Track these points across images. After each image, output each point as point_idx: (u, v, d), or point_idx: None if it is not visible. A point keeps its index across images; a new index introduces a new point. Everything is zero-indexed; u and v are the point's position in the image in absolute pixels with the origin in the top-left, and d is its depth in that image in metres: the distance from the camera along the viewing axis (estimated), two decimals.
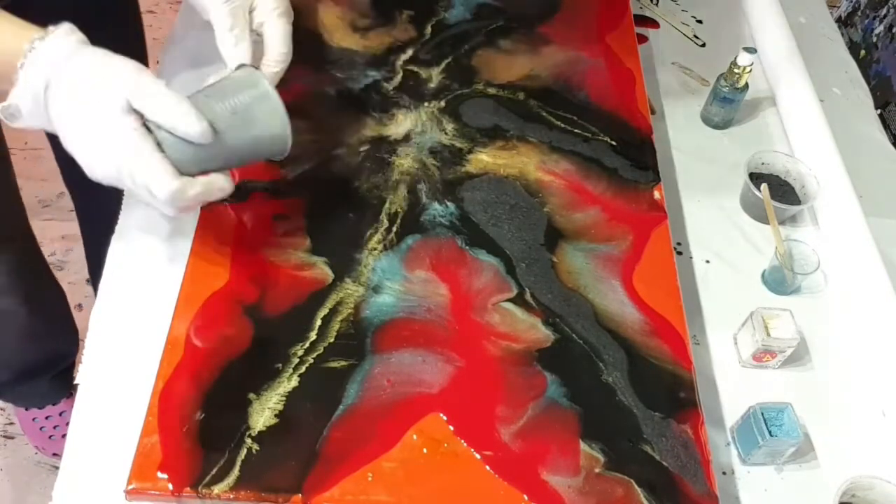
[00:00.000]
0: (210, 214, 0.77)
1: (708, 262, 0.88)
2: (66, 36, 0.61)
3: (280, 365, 0.68)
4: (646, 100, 0.94)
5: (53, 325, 1.17)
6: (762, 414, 0.71)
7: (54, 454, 1.31)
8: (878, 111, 1.20)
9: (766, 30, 1.10)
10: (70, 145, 0.62)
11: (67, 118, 0.61)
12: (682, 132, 1.01)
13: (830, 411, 0.78)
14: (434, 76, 0.93)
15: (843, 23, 1.62)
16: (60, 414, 1.30)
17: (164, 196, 0.61)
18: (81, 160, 0.62)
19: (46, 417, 1.30)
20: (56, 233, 1.63)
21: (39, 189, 1.69)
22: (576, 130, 0.90)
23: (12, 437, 1.37)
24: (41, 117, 0.62)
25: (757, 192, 0.89)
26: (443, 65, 0.94)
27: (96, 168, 0.62)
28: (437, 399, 0.68)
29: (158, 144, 0.62)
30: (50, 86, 0.60)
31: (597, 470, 0.65)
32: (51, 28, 0.62)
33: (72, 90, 0.60)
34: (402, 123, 0.87)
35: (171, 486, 0.61)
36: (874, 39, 1.50)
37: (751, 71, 0.96)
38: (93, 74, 0.61)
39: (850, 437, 0.76)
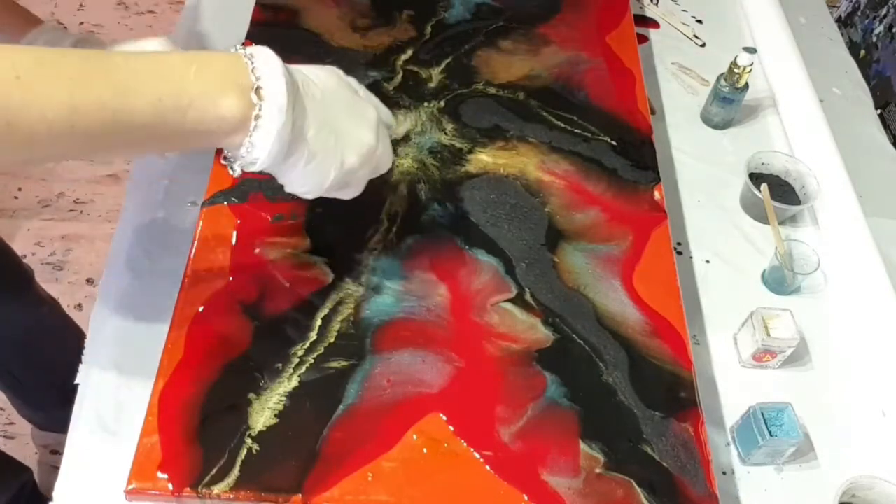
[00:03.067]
0: (210, 214, 0.77)
1: (708, 262, 0.88)
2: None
3: (280, 365, 0.68)
4: (646, 100, 0.94)
5: None
6: (762, 414, 0.71)
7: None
8: (878, 111, 1.20)
9: (766, 30, 1.10)
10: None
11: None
12: (682, 132, 1.01)
13: (830, 411, 0.78)
14: (434, 76, 0.93)
15: (843, 23, 1.62)
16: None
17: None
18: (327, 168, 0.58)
19: None
20: (56, 233, 1.63)
21: (39, 189, 1.69)
22: (576, 130, 0.90)
23: (12, 438, 1.37)
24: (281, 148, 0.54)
25: (757, 192, 0.89)
26: (443, 65, 0.94)
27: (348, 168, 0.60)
28: (437, 399, 0.68)
29: None
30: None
31: (597, 470, 0.65)
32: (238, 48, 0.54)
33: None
34: (402, 124, 0.87)
35: (171, 486, 0.61)
36: (874, 39, 1.50)
37: (751, 71, 0.96)
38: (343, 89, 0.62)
39: (850, 437, 0.76)
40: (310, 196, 0.60)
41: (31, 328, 1.10)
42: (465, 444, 0.66)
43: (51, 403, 1.25)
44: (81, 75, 0.45)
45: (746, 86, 0.97)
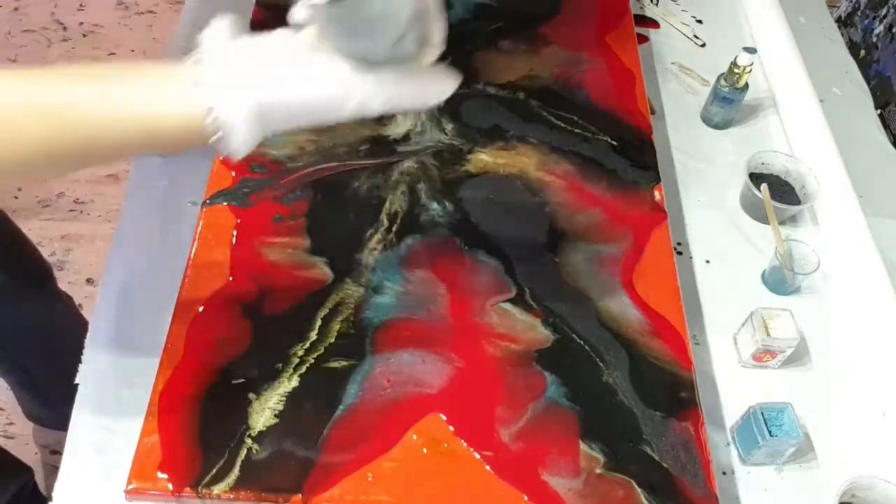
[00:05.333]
0: (210, 214, 0.77)
1: (708, 262, 0.88)
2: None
3: (280, 365, 0.68)
4: (646, 100, 0.94)
5: None
6: (762, 414, 0.71)
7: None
8: (878, 111, 1.20)
9: (766, 30, 1.10)
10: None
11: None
12: (682, 132, 1.01)
13: (830, 411, 0.78)
14: None
15: (843, 23, 1.62)
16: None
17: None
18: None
19: None
20: (56, 233, 1.63)
21: (39, 189, 1.69)
22: (576, 130, 0.90)
23: (12, 437, 1.36)
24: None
25: (757, 192, 0.89)
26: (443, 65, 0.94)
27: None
28: (437, 399, 0.68)
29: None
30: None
31: (597, 470, 0.65)
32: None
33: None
34: (401, 123, 0.87)
35: (171, 486, 0.61)
36: (874, 39, 1.50)
37: (751, 71, 0.96)
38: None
39: (850, 437, 0.76)
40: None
41: (49, 323, 1.11)
42: (465, 444, 0.66)
43: (59, 400, 1.25)
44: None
45: (746, 86, 0.97)
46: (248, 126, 0.48)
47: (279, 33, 0.51)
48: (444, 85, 0.54)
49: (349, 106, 0.50)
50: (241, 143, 0.49)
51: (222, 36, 0.51)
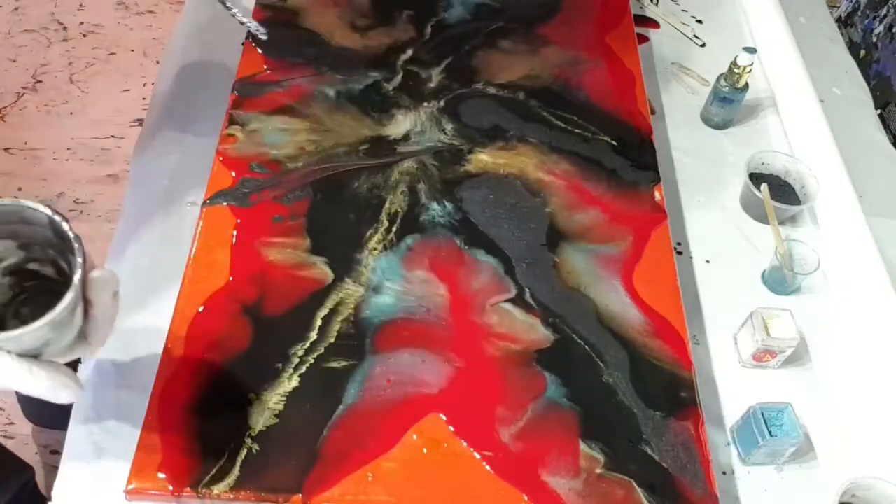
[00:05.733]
0: (210, 214, 0.77)
1: (708, 262, 0.88)
2: None
3: (280, 365, 0.68)
4: (646, 100, 0.94)
5: None
6: (762, 414, 0.71)
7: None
8: (878, 111, 1.20)
9: (766, 30, 1.10)
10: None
11: None
12: (682, 132, 1.01)
13: (830, 411, 0.78)
14: (434, 76, 0.93)
15: (843, 23, 1.62)
16: None
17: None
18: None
19: None
20: None
21: (39, 189, 1.69)
22: (576, 130, 0.90)
23: (12, 437, 1.36)
24: None
25: (757, 192, 0.89)
26: (443, 65, 0.94)
27: None
28: (437, 399, 0.68)
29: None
30: None
31: (597, 471, 0.65)
32: None
33: None
34: (401, 123, 0.87)
35: (170, 487, 0.61)
36: (874, 39, 1.50)
37: (751, 71, 0.96)
38: None
39: (850, 437, 0.76)
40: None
41: None
42: (465, 445, 0.66)
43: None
44: None
45: (746, 86, 0.97)
46: None
47: None
48: (59, 389, 0.52)
49: None
50: None
51: None
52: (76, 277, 0.49)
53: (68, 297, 0.48)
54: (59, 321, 0.49)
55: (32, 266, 0.55)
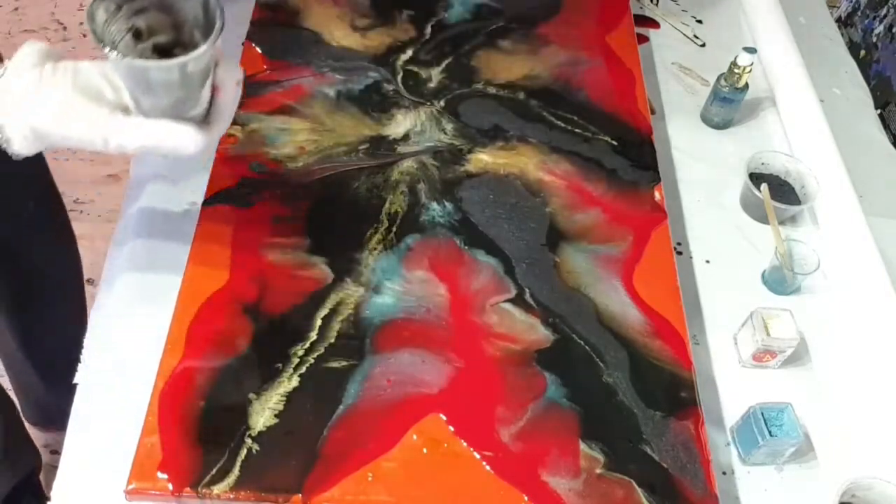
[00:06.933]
0: (210, 214, 0.77)
1: (708, 262, 0.88)
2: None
3: (280, 365, 0.68)
4: (646, 100, 0.94)
5: None
6: (762, 414, 0.71)
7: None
8: (878, 111, 1.20)
9: (766, 30, 1.10)
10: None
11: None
12: (682, 132, 1.01)
13: (830, 411, 0.78)
14: (434, 76, 0.93)
15: (843, 23, 1.61)
16: None
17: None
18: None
19: None
20: None
21: None
22: (576, 130, 0.90)
23: None
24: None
25: (757, 192, 0.89)
26: (443, 65, 0.94)
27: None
28: (437, 399, 0.68)
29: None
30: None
31: (597, 471, 0.65)
32: None
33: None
34: (401, 123, 0.87)
35: (171, 486, 0.61)
36: (874, 39, 1.50)
37: (751, 71, 0.96)
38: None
39: (850, 437, 0.76)
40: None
41: (62, 265, 1.18)
42: (465, 445, 0.66)
43: (58, 400, 1.25)
44: None
45: (746, 86, 0.97)
46: (24, 142, 0.59)
47: (61, 70, 0.58)
48: (188, 141, 0.59)
49: (108, 145, 0.59)
50: (19, 151, 0.59)
51: (26, 63, 0.58)
52: (214, 34, 0.53)
53: (204, 46, 0.53)
54: (191, 74, 0.54)
55: (178, 52, 0.58)
